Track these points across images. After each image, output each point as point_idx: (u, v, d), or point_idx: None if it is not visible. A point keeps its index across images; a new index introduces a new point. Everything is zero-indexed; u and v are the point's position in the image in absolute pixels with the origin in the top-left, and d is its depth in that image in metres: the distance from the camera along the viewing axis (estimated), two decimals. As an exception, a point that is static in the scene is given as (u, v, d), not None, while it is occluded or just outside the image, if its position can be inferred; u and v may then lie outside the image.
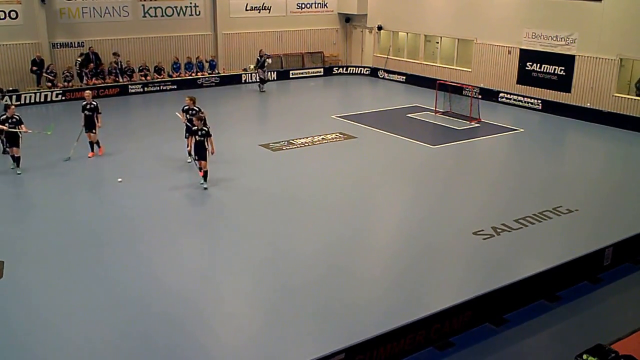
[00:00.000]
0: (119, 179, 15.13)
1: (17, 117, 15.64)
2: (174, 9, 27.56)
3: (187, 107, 16.24)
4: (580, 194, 14.77)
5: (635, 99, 21.48)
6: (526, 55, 24.66)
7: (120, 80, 25.78)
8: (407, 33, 30.23)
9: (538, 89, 24.36)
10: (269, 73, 28.29)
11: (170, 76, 27.11)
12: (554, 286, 10.09)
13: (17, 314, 9.33)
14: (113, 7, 25.99)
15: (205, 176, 14.61)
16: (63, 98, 24.26)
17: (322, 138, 19.39)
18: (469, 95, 22.84)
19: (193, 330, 8.91)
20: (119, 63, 25.83)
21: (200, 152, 14.46)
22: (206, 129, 14.46)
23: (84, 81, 24.95)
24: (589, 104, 22.61)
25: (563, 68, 23.46)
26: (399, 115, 23.03)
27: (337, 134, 19.86)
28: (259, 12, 29.94)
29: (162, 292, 9.97)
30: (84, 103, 16.84)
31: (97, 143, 17.15)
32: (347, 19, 32.65)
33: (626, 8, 21.19)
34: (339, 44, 32.86)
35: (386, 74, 30.47)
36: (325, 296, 9.95)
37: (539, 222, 12.91)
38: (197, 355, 8.36)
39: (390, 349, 8.14)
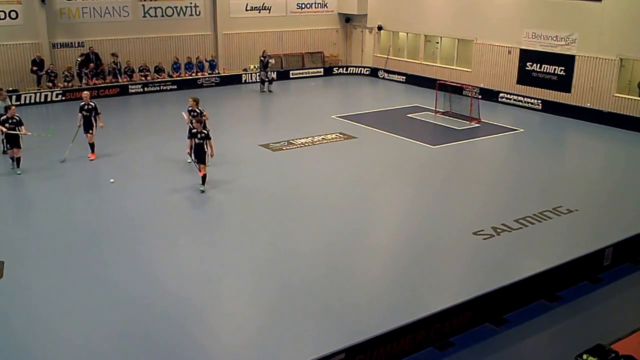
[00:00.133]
0: (111, 180, 15.12)
1: (17, 118, 15.64)
2: (174, 9, 27.57)
3: (190, 108, 16.25)
4: (580, 194, 14.77)
5: (635, 99, 21.48)
6: (526, 55, 24.66)
7: (119, 80, 25.79)
8: (407, 33, 30.23)
9: (538, 89, 24.35)
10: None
11: (170, 76, 27.13)
12: (554, 286, 10.09)
13: (17, 314, 9.33)
14: (113, 7, 26.01)
15: (203, 179, 14.52)
16: (63, 98, 24.27)
17: (322, 138, 19.39)
18: (469, 95, 22.83)
19: (193, 330, 8.91)
20: (117, 63, 25.84)
21: (200, 155, 14.33)
22: (205, 132, 14.35)
23: (84, 81, 24.97)
24: (589, 104, 22.60)
25: (563, 68, 23.46)
26: (399, 116, 23.03)
27: (337, 134, 19.86)
28: (259, 12, 29.95)
29: (162, 292, 9.97)
30: (82, 104, 16.80)
31: (92, 146, 16.93)
32: (347, 19, 32.65)
33: (626, 8, 21.19)
34: (339, 44, 32.87)
35: (386, 74, 30.47)
36: (325, 296, 9.95)
37: (539, 222, 12.91)
38: (197, 355, 8.35)
39: (390, 349, 8.14)
